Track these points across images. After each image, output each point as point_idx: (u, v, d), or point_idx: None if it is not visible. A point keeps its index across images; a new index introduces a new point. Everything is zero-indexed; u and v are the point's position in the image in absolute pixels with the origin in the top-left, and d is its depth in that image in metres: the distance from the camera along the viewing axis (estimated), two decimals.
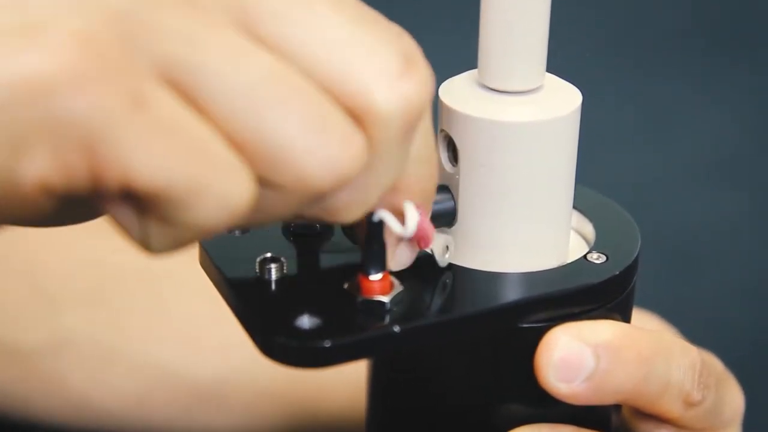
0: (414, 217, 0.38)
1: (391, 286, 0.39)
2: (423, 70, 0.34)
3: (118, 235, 0.35)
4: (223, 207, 0.32)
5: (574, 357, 0.40)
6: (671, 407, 0.42)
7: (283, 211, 0.34)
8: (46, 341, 0.61)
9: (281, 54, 0.32)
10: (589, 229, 0.44)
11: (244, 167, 0.32)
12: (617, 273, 0.41)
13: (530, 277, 0.41)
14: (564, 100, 0.41)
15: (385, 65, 0.33)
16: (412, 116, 0.34)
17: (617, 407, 0.45)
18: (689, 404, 0.42)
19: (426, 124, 0.37)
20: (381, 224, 0.38)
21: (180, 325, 0.62)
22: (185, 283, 0.62)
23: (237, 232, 0.43)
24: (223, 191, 0.32)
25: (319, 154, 0.32)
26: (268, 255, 0.40)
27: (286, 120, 0.32)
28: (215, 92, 0.31)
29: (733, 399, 0.46)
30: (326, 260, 0.42)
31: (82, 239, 0.63)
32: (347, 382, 0.59)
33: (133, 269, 0.62)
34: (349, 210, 0.35)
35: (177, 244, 0.33)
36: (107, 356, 0.61)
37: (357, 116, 0.33)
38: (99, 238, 0.63)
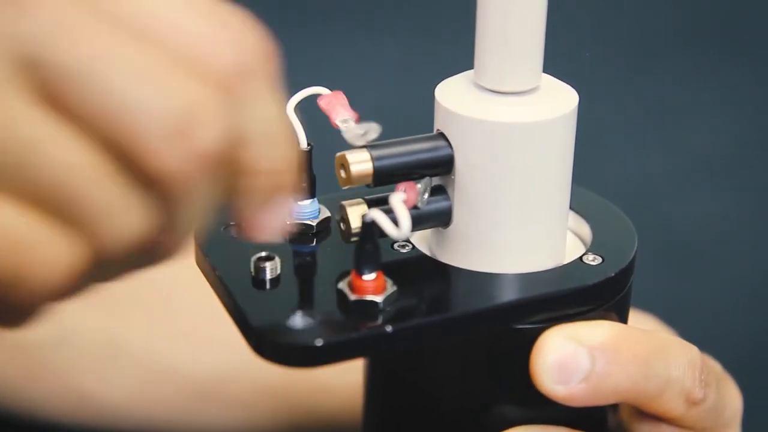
0: (406, 218, 0.38)
1: (385, 286, 0.39)
2: (210, 111, 0.32)
3: None
4: (48, 277, 0.31)
5: (569, 358, 0.40)
6: (673, 406, 0.42)
7: (118, 269, 0.34)
8: (49, 336, 0.61)
9: (76, 119, 0.31)
10: (585, 231, 0.44)
11: (58, 234, 0.31)
12: (612, 275, 0.41)
13: (526, 278, 0.41)
14: (560, 100, 0.41)
15: (160, 126, 0.31)
16: (207, 161, 0.32)
17: (614, 408, 0.44)
18: (691, 402, 0.42)
19: (262, 109, 0.34)
20: (373, 224, 0.38)
21: (181, 322, 0.62)
22: (186, 281, 0.62)
23: (233, 233, 0.43)
24: (42, 264, 0.31)
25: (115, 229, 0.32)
26: (263, 254, 0.40)
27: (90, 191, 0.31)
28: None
29: (733, 399, 0.46)
30: (321, 260, 0.42)
31: None
32: (347, 380, 0.59)
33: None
34: (172, 247, 0.34)
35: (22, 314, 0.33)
36: (109, 352, 0.61)
37: (151, 181, 0.32)
38: None
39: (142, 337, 0.62)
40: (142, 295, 0.62)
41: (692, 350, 0.42)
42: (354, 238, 0.40)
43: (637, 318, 0.55)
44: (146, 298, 0.62)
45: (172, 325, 0.62)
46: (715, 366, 0.46)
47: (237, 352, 0.60)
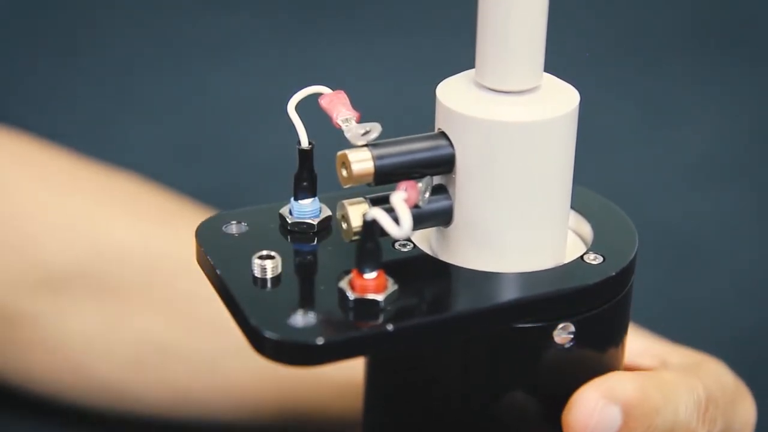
0: (408, 217, 0.38)
1: (386, 284, 0.39)
2: None
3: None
4: None
5: (608, 419, 0.41)
6: None
7: None
8: (47, 310, 0.62)
9: None
10: (586, 230, 0.44)
11: None
12: (613, 274, 0.41)
13: (526, 278, 0.41)
14: (561, 100, 0.41)
15: None
16: None
17: None
18: None
19: None
20: (374, 223, 0.38)
21: (178, 303, 0.63)
22: (183, 264, 0.62)
23: (234, 232, 0.43)
24: None
25: None
26: (264, 252, 0.40)
27: None
28: None
29: (745, 412, 0.47)
30: (322, 259, 0.42)
31: (82, 216, 0.64)
32: (340, 366, 0.60)
33: (132, 249, 0.63)
34: None
35: None
36: (106, 329, 0.62)
37: None
38: (100, 217, 0.64)
39: (138, 316, 0.62)
40: (138, 276, 0.63)
41: (698, 388, 0.44)
42: (355, 237, 0.40)
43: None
44: (142, 279, 0.63)
45: (169, 306, 0.63)
46: (726, 383, 0.47)
47: (231, 335, 0.61)
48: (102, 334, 0.62)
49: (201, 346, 0.62)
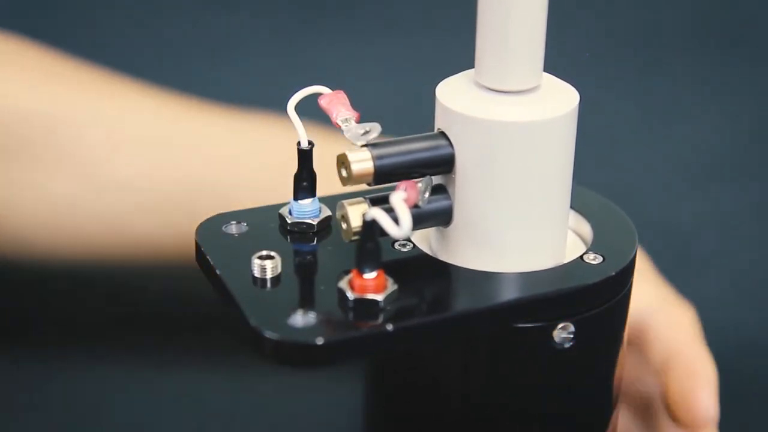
0: (407, 217, 0.38)
1: (385, 284, 0.39)
2: None
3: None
4: None
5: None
6: None
7: None
8: None
9: None
10: (586, 230, 0.44)
11: None
12: (613, 274, 0.41)
13: (526, 277, 0.41)
14: (561, 100, 0.41)
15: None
16: None
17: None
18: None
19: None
20: (374, 223, 0.38)
21: (84, 163, 0.64)
22: (88, 125, 0.64)
23: (234, 232, 0.43)
24: None
25: None
26: (264, 252, 0.40)
27: None
28: None
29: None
30: (321, 259, 0.42)
31: None
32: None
33: (35, 111, 0.64)
34: None
35: None
36: (13, 187, 0.64)
37: None
38: (9, 85, 0.65)
39: (45, 174, 0.64)
40: (44, 141, 0.64)
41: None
42: (355, 237, 0.40)
43: (676, 308, 0.56)
44: (48, 143, 0.64)
45: (74, 166, 0.64)
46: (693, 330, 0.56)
47: (136, 192, 0.64)
48: (10, 193, 0.64)
49: (109, 202, 0.64)
